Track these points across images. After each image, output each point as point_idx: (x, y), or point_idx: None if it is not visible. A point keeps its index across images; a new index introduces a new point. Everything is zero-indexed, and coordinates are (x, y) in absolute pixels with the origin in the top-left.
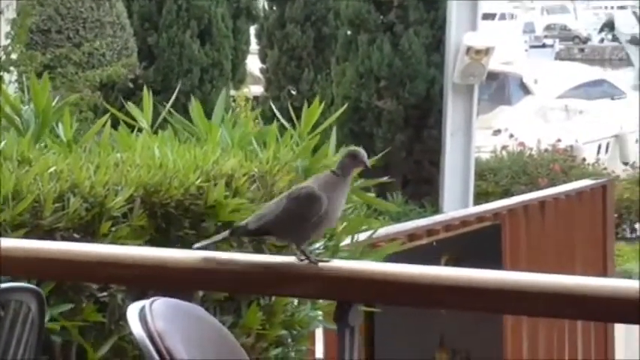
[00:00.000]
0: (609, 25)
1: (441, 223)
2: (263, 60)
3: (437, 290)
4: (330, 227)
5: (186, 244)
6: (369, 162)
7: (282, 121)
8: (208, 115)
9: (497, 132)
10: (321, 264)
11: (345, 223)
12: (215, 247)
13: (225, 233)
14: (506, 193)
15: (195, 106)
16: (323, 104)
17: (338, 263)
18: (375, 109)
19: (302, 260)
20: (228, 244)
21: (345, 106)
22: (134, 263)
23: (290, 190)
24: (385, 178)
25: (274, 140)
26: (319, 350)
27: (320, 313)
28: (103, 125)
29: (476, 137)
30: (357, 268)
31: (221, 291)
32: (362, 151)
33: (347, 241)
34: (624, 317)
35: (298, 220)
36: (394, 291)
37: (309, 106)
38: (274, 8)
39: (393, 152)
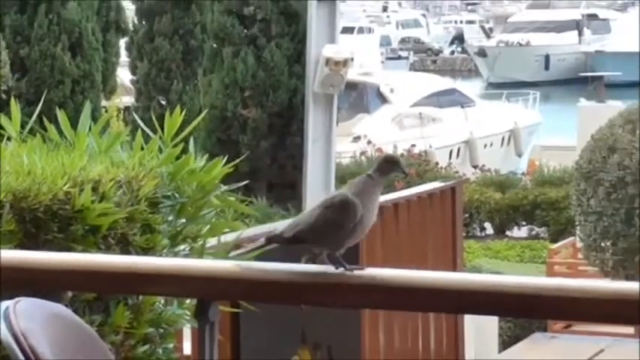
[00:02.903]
0: (459, 39)
1: None
2: (133, 72)
3: (296, 287)
4: (365, 233)
5: (55, 247)
6: (406, 168)
7: (146, 129)
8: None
9: (356, 138)
10: (354, 272)
11: (208, 226)
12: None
13: (261, 241)
14: None
15: (61, 117)
16: (185, 113)
17: (197, 262)
18: (240, 118)
19: (337, 268)
20: (96, 247)
21: (205, 112)
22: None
23: (325, 199)
24: (242, 183)
25: (140, 147)
26: (187, 347)
27: (187, 312)
28: None
29: (336, 143)
30: (218, 267)
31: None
32: (398, 157)
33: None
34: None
35: (333, 227)
36: (252, 288)
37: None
38: (143, 22)
39: (258, 158)
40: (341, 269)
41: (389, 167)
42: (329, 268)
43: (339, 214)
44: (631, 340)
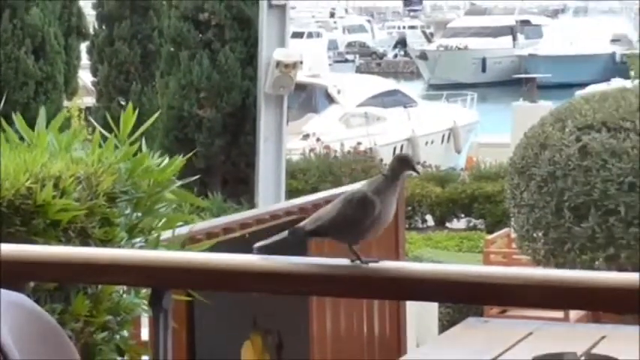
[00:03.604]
0: (402, 43)
1: (253, 217)
2: (94, 74)
3: (247, 276)
4: (383, 228)
5: (18, 240)
6: (417, 167)
7: (100, 129)
8: (46, 124)
9: (306, 136)
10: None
11: (163, 219)
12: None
13: (285, 233)
14: (315, 190)
15: (17, 118)
16: (144, 113)
17: (151, 253)
18: (196, 117)
19: (353, 261)
20: (57, 240)
21: (158, 112)
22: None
23: (345, 194)
24: (195, 178)
25: (98, 145)
26: (145, 334)
27: (144, 300)
28: None
29: (287, 141)
30: (170, 257)
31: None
32: (409, 156)
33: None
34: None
35: (353, 222)
36: (206, 277)
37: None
38: (104, 27)
39: (213, 156)
40: (357, 262)
41: (400, 166)
42: (343, 261)
43: (358, 211)
44: (559, 323)
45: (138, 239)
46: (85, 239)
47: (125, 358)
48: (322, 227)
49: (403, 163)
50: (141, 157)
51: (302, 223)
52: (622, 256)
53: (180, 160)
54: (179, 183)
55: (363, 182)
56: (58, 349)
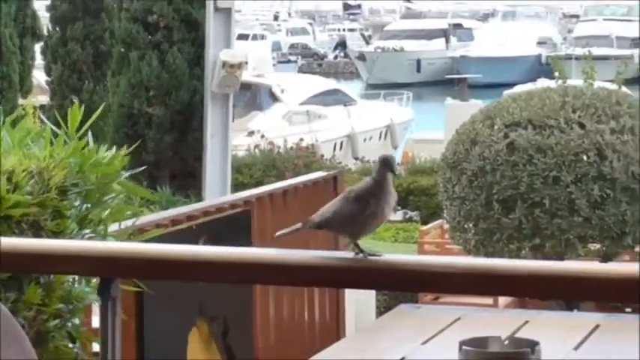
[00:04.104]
0: (342, 45)
1: (200, 209)
2: (48, 73)
3: (194, 266)
4: (380, 222)
5: None
6: (396, 168)
7: (51, 125)
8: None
9: (250, 133)
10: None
11: (111, 210)
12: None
13: (299, 225)
14: (260, 184)
15: None
16: (98, 110)
17: (99, 244)
18: (145, 115)
19: (357, 254)
20: (11, 232)
21: (102, 107)
22: None
23: (344, 192)
24: (141, 168)
25: (49, 141)
26: (96, 322)
27: (95, 289)
28: None
29: (232, 138)
30: (117, 248)
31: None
32: (391, 158)
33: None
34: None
35: (349, 219)
36: (152, 267)
37: (93, 112)
38: (57, 29)
39: (162, 151)
40: (360, 255)
41: (383, 167)
42: (349, 254)
43: (353, 207)
44: (487, 309)
45: (88, 230)
46: (37, 231)
47: (77, 344)
48: (324, 221)
49: (384, 164)
50: (90, 152)
51: (312, 216)
52: (547, 245)
53: (125, 152)
54: (126, 174)
55: (359, 183)
56: (9, 337)
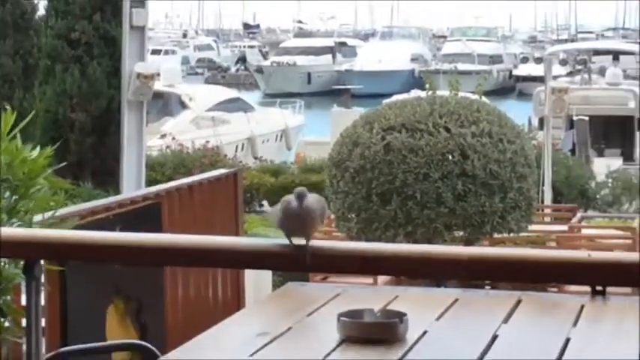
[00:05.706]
0: (242, 59)
1: (116, 202)
2: None
3: (108, 249)
4: (307, 228)
5: None
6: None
7: None
8: None
9: (163, 136)
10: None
11: (34, 201)
12: None
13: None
14: (170, 180)
15: None
16: (26, 116)
17: (24, 230)
18: (69, 120)
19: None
20: None
21: (32, 114)
22: None
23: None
24: (63, 164)
25: None
26: (24, 299)
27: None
28: None
29: (147, 140)
30: (40, 234)
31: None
32: (296, 190)
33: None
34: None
35: (279, 220)
36: (70, 250)
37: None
38: None
39: (84, 153)
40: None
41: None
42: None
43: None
44: (365, 287)
45: (15, 219)
46: None
47: (8, 318)
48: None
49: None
50: (19, 152)
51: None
52: (418, 232)
53: (49, 151)
54: (50, 170)
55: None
56: None
